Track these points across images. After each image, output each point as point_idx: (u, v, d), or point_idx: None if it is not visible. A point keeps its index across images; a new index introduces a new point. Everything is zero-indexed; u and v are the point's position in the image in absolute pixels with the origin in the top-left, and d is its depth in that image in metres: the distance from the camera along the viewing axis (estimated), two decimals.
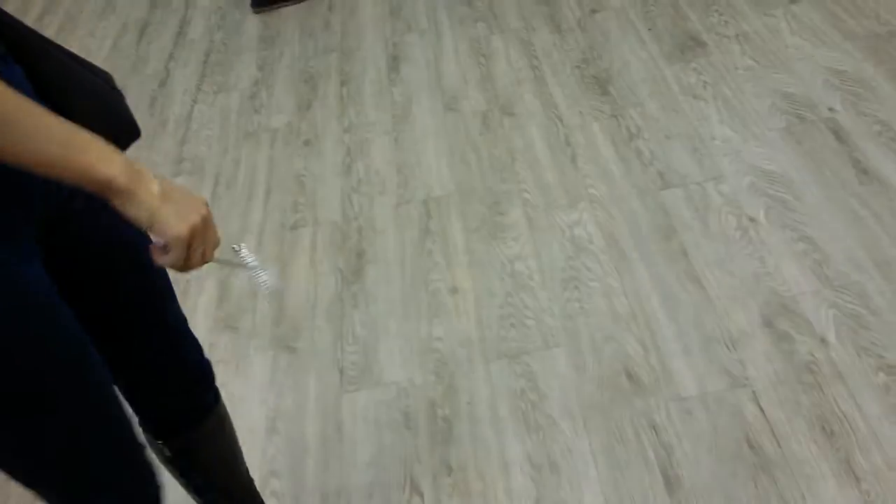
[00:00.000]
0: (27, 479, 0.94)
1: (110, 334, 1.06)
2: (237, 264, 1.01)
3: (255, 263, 1.01)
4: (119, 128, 0.97)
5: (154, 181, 0.82)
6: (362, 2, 3.32)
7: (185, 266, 0.88)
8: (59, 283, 0.90)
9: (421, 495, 1.63)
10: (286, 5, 3.35)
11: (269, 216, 2.39)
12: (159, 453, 1.23)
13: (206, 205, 0.88)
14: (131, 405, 1.15)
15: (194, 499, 1.35)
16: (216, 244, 0.92)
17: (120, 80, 3.12)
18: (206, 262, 0.91)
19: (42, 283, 0.88)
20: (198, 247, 0.87)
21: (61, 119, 0.76)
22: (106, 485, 1.00)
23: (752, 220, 2.06)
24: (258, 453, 1.75)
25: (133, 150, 0.94)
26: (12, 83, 0.71)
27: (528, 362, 1.85)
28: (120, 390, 1.12)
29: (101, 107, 0.96)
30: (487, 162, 2.44)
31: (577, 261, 2.07)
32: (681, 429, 1.67)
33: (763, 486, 1.53)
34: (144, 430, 1.21)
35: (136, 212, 0.80)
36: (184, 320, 1.17)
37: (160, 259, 0.87)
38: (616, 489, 1.59)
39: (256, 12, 3.36)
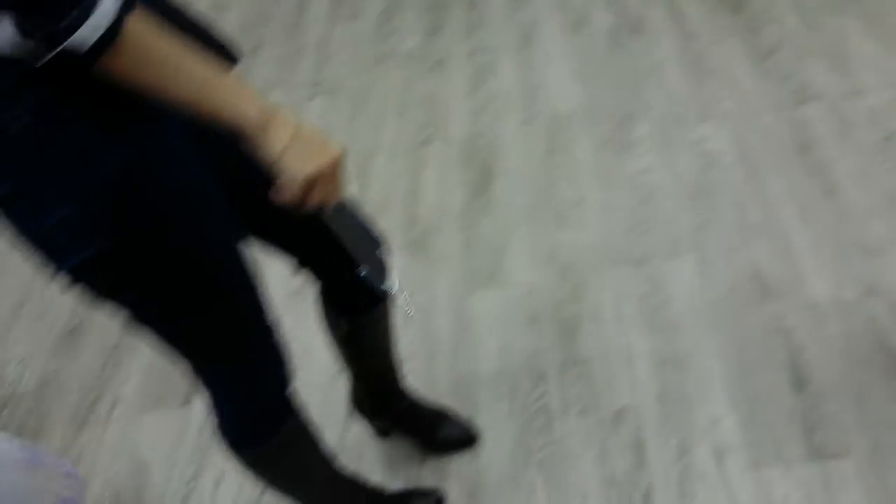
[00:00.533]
0: (168, 346, 1.04)
1: (288, 228, 1.15)
2: (347, 226, 1.05)
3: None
4: (220, 53, 0.96)
5: (288, 122, 0.85)
6: None
7: (299, 207, 0.91)
8: (218, 180, 0.98)
9: (546, 382, 1.70)
10: None
11: (401, 134, 2.49)
12: (336, 329, 1.34)
13: (339, 156, 0.89)
14: (323, 282, 1.25)
15: (351, 372, 1.46)
16: (337, 196, 0.94)
17: (259, 8, 3.26)
18: (323, 211, 0.94)
19: (195, 184, 0.95)
20: (319, 190, 0.90)
21: (201, 59, 0.80)
22: (248, 364, 1.10)
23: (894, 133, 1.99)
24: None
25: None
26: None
27: (654, 268, 1.88)
28: (312, 270, 1.22)
29: (201, 33, 0.95)
30: (615, 79, 2.44)
31: (708, 173, 2.06)
32: (812, 333, 1.66)
33: None
34: (327, 306, 1.31)
35: (265, 150, 0.85)
36: None
37: (278, 197, 0.90)
38: (741, 387, 1.61)
39: None
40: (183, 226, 0.93)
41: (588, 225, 2.04)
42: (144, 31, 0.77)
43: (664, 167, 2.12)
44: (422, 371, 1.76)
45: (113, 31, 0.73)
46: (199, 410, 1.86)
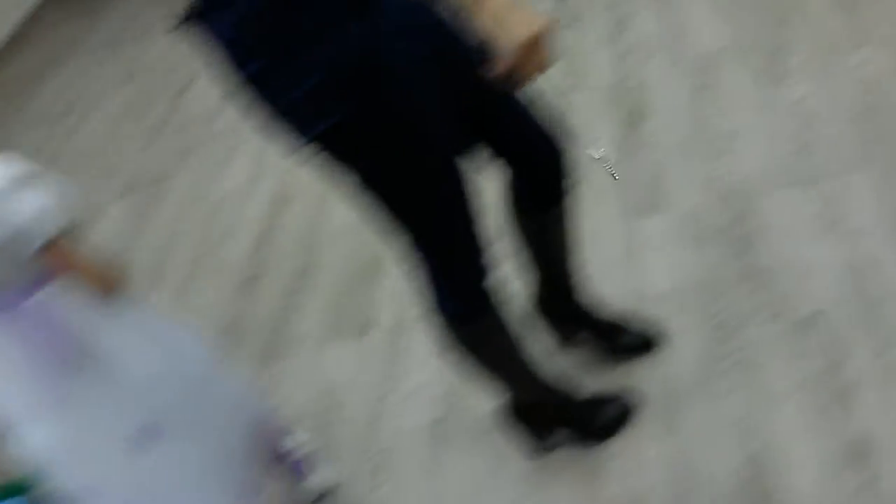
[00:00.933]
0: (389, 215, 1.12)
1: (494, 112, 1.22)
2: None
3: None
4: None
5: None
6: None
7: (517, 78, 0.96)
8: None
9: (727, 294, 1.70)
10: None
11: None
12: (525, 224, 1.40)
13: (548, 23, 0.92)
14: (517, 175, 1.32)
15: (535, 273, 1.51)
16: (547, 65, 0.97)
17: None
18: (536, 78, 0.98)
19: (419, 68, 1.04)
20: (533, 57, 0.94)
21: None
22: (460, 242, 1.17)
23: None
24: None
25: None
26: None
27: (826, 186, 1.85)
28: (509, 160, 1.29)
29: None
30: (759, 15, 2.41)
31: (870, 97, 2.02)
32: None
33: None
34: (518, 201, 1.38)
35: (483, 18, 0.90)
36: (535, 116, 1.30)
37: (493, 69, 0.95)
38: None
39: None
40: (410, 101, 1.03)
41: (747, 153, 2.02)
42: None
43: (823, 93, 2.09)
44: (595, 293, 1.79)
45: None
46: (377, 339, 1.95)
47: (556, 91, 2.48)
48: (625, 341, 1.63)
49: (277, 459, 1.54)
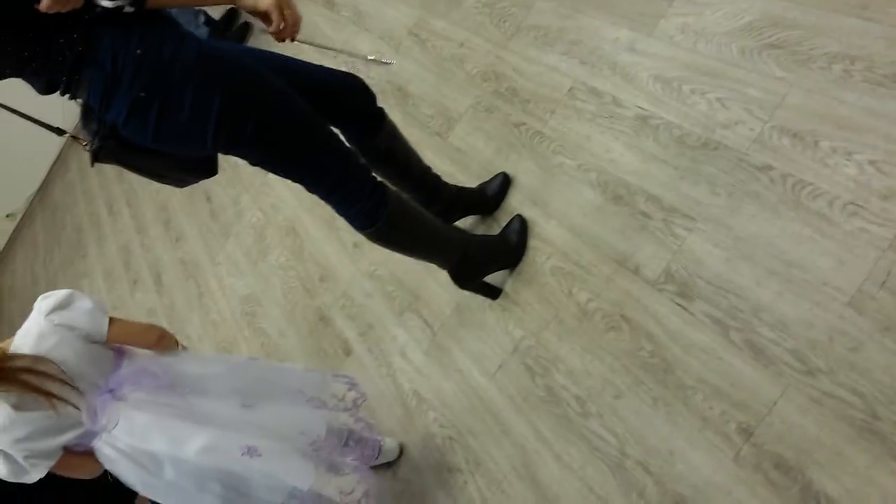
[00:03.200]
0: (289, 170, 1.64)
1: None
2: (325, 46, 1.68)
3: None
4: None
5: None
6: None
7: (281, 33, 1.54)
8: None
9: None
10: None
11: None
12: (373, 151, 1.90)
13: None
14: (346, 132, 1.84)
15: (396, 185, 2.05)
16: (298, 20, 1.55)
17: None
18: (295, 37, 1.56)
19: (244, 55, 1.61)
20: (287, 15, 1.53)
21: None
22: (344, 170, 1.70)
23: None
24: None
25: None
26: None
27: None
28: (341, 121, 1.82)
29: None
30: None
31: None
32: None
33: None
34: (363, 146, 1.87)
35: (241, 4, 1.50)
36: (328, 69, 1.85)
37: (268, 28, 1.53)
38: None
39: None
40: (252, 77, 1.56)
41: None
42: None
43: None
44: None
45: None
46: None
47: None
48: (491, 190, 2.20)
49: (349, 441, 1.92)
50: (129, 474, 1.50)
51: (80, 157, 6.23)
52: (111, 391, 1.47)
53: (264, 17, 1.55)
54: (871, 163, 1.54)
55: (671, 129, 1.90)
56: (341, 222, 1.75)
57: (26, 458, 1.41)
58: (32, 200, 6.58)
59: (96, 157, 1.55)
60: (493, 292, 2.06)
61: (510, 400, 1.91)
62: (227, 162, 1.61)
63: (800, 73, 1.72)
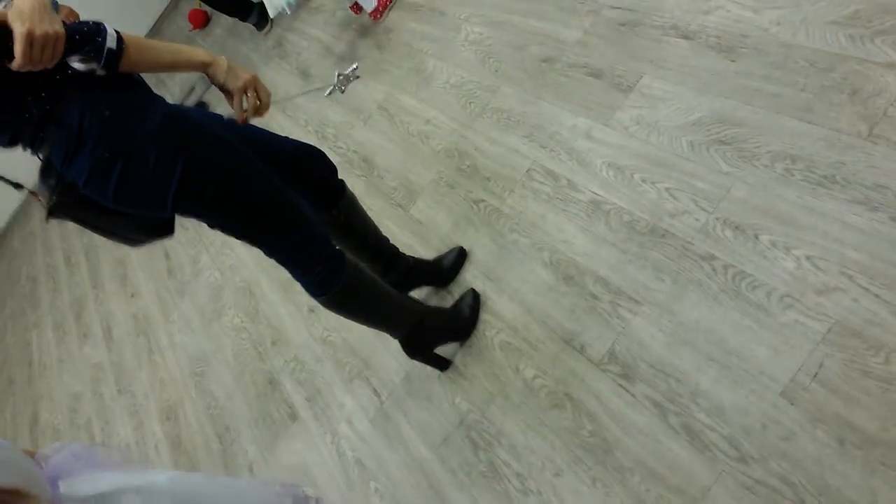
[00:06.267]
0: (247, 234, 1.65)
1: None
2: (307, 91, 1.73)
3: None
4: None
5: (223, 61, 1.54)
6: None
7: (254, 111, 1.58)
8: None
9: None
10: None
11: None
12: (334, 220, 1.93)
13: (254, 75, 1.58)
14: (306, 200, 1.86)
15: (354, 254, 2.07)
16: (268, 94, 1.61)
17: None
18: (265, 110, 1.60)
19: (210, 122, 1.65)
20: (255, 93, 1.57)
21: (167, 42, 1.52)
22: (302, 238, 1.72)
23: None
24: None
25: None
26: None
27: None
28: (304, 191, 1.85)
29: None
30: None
31: None
32: None
33: None
34: (318, 211, 1.92)
35: (217, 75, 1.53)
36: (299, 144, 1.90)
37: (237, 107, 1.57)
38: None
39: None
40: (215, 142, 1.59)
41: None
42: (134, 37, 1.46)
43: None
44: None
45: (121, 40, 1.41)
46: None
47: None
48: (447, 264, 2.24)
49: None
50: None
51: (42, 209, 6.17)
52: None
53: (234, 95, 1.58)
54: (808, 258, 1.61)
55: (622, 214, 1.96)
56: (298, 287, 1.76)
57: None
58: None
59: (52, 213, 1.56)
60: (442, 364, 2.07)
61: (452, 475, 1.90)
62: (189, 221, 1.62)
63: (744, 169, 1.80)
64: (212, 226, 1.64)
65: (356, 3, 3.66)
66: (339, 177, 1.98)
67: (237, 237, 1.68)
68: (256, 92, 1.60)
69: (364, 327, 2.18)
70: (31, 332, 4.62)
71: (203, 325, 3.16)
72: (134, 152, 1.45)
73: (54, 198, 1.51)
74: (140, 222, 1.64)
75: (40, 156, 1.49)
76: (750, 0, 2.04)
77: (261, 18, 4.57)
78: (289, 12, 3.77)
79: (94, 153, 1.42)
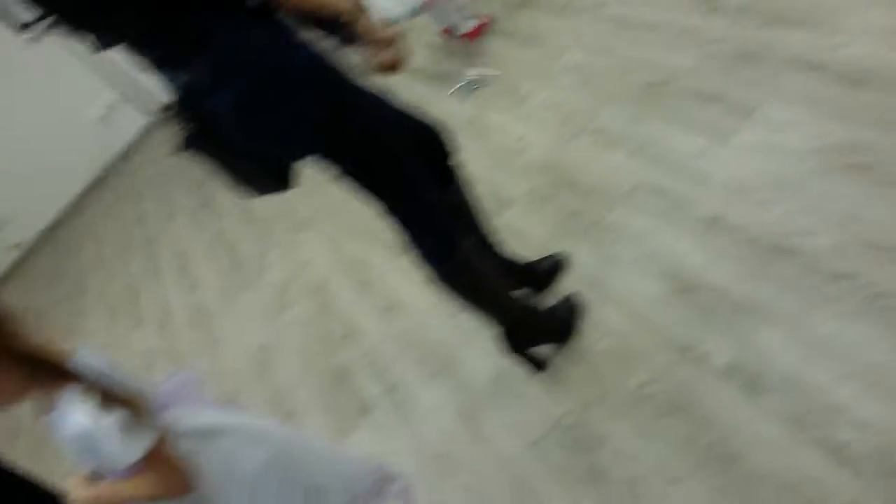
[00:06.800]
0: (375, 184, 1.63)
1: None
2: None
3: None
4: None
5: (367, 13, 1.55)
6: None
7: (389, 65, 1.58)
8: None
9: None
10: None
11: None
12: (448, 203, 1.91)
13: (397, 32, 1.58)
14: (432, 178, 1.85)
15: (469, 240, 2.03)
16: (408, 53, 1.61)
17: None
18: (401, 66, 1.60)
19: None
20: (397, 47, 1.58)
21: None
22: (429, 201, 1.70)
23: None
24: None
25: None
26: None
27: None
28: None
29: None
30: None
31: None
32: None
33: None
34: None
35: (360, 27, 1.53)
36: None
37: (375, 57, 1.57)
38: None
39: None
40: (355, 90, 1.57)
41: None
42: None
43: None
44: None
45: None
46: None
47: None
48: (543, 269, 2.20)
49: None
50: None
51: (100, 198, 6.23)
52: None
53: (376, 44, 1.58)
54: None
55: (741, 231, 1.93)
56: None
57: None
58: (41, 235, 6.51)
59: (186, 144, 1.54)
60: (538, 364, 2.02)
61: (548, 474, 1.83)
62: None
63: (875, 193, 1.77)
64: (342, 172, 1.61)
65: (448, 28, 3.72)
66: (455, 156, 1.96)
67: (363, 188, 1.64)
68: (396, 49, 1.59)
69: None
70: (83, 320, 4.61)
71: (268, 317, 3.13)
72: (281, 88, 1.45)
73: (192, 127, 1.49)
74: (265, 167, 1.62)
75: (181, 82, 1.47)
76: (882, 37, 2.04)
77: None
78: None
79: (241, 83, 1.42)
